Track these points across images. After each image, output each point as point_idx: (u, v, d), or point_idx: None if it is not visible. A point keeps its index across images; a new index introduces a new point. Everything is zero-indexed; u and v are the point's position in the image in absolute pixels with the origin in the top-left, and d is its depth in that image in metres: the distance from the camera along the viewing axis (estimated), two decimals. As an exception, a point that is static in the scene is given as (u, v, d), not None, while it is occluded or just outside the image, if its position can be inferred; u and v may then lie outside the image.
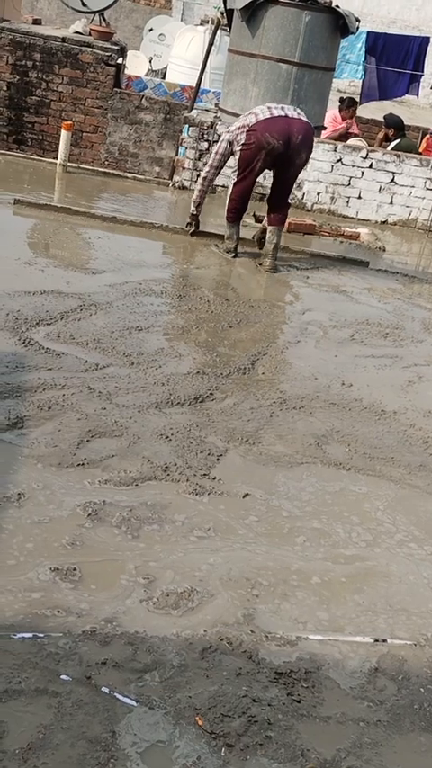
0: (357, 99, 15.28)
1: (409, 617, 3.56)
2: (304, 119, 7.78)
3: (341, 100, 13.08)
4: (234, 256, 8.17)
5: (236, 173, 7.84)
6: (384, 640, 3.37)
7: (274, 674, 3.08)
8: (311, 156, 8.37)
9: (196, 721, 2.80)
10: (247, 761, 2.71)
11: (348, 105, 12.95)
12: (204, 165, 8.38)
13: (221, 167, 8.07)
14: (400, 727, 2.97)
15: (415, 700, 3.11)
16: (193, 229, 8.55)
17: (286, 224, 8.66)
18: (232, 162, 7.94)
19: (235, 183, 7.92)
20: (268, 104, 7.92)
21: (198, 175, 8.63)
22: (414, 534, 4.16)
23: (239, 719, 2.84)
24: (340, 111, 12.85)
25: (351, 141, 11.77)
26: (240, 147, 7.68)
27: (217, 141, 10.51)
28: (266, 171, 8.10)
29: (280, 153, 7.65)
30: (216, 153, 7.95)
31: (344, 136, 12.44)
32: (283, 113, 7.67)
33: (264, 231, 8.37)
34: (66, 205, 8.74)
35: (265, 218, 8.35)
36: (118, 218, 8.61)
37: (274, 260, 8.07)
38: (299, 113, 7.78)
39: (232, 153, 7.82)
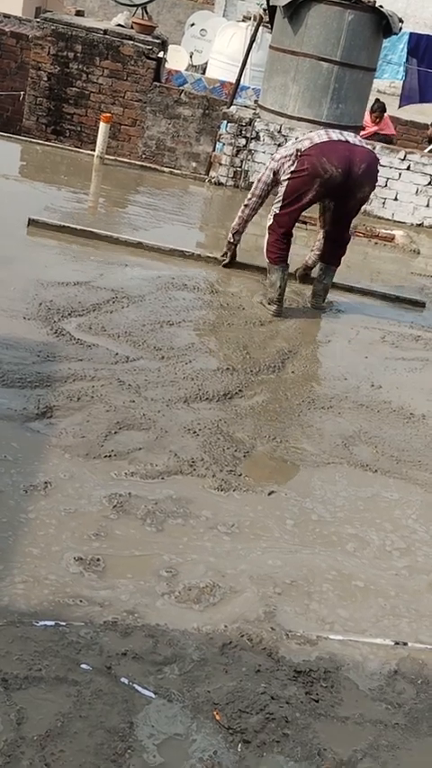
0: (396, 101, 15.37)
1: None
2: (368, 147, 6.81)
3: (376, 101, 13.24)
4: (278, 311, 6.66)
5: (278, 204, 6.61)
6: (405, 643, 3.36)
7: (293, 672, 3.08)
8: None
9: (214, 716, 2.81)
10: (264, 758, 2.71)
11: (374, 110, 13.28)
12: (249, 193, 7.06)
13: (265, 196, 6.87)
14: (417, 731, 2.96)
15: (434, 704, 3.10)
16: (227, 261, 7.50)
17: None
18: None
19: (275, 216, 6.65)
20: (326, 129, 6.94)
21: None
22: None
23: (257, 716, 2.84)
24: (371, 113, 13.12)
25: None
26: (289, 176, 6.49)
27: (254, 138, 10.58)
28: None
29: (337, 184, 6.47)
30: (259, 180, 6.78)
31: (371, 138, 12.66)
32: (343, 138, 6.56)
33: (307, 267, 7.48)
34: (86, 228, 7.57)
35: (312, 253, 7.40)
36: (144, 245, 7.54)
37: (321, 301, 7.13)
38: (360, 141, 6.76)
39: (277, 182, 6.62)
